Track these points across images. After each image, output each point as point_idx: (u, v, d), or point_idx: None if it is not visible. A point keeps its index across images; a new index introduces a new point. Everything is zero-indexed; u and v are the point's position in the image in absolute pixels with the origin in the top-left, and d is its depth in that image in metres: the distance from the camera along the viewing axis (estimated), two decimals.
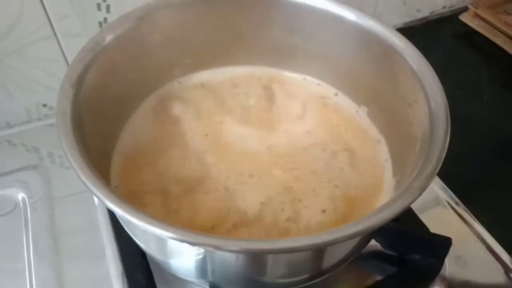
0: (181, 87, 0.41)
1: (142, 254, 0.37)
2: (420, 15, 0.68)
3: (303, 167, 0.36)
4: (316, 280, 0.32)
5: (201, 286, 0.33)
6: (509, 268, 0.40)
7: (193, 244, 0.24)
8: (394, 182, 0.35)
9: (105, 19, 0.47)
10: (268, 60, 0.42)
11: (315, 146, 0.38)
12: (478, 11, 0.66)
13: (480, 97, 0.57)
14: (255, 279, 0.30)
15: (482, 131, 0.53)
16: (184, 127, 0.38)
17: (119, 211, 0.24)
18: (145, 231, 0.24)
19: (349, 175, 0.36)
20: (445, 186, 0.46)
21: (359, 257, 0.33)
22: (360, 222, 0.25)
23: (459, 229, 0.43)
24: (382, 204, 0.26)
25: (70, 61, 0.48)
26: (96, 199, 0.44)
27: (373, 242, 0.34)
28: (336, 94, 0.41)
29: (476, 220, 0.43)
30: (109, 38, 0.34)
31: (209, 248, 0.25)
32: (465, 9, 0.68)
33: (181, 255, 0.30)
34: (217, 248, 0.24)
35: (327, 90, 0.42)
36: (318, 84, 0.42)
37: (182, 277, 0.33)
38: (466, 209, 0.44)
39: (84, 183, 0.25)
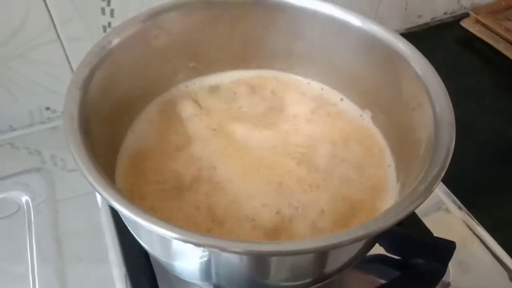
0: (187, 90, 0.42)
1: (145, 256, 0.37)
2: (421, 21, 0.69)
3: (306, 169, 0.36)
4: (320, 284, 0.32)
5: None
6: None
7: (197, 245, 0.24)
8: (398, 186, 0.35)
9: (109, 23, 0.47)
10: (273, 64, 0.43)
11: (319, 150, 0.38)
12: (479, 17, 0.67)
13: (481, 102, 0.58)
14: (259, 282, 0.30)
15: (484, 135, 0.54)
16: (189, 131, 0.38)
17: (126, 212, 0.24)
18: (151, 232, 0.24)
19: (352, 178, 0.36)
20: (448, 191, 0.46)
21: (362, 261, 0.33)
22: (366, 225, 0.25)
23: (462, 233, 0.43)
24: (387, 208, 0.27)
25: (73, 65, 0.49)
26: (99, 202, 0.44)
27: (376, 246, 0.34)
28: (341, 99, 0.42)
29: (479, 224, 0.43)
30: (115, 42, 0.34)
31: (213, 249, 0.25)
32: (466, 15, 0.69)
33: (186, 257, 0.30)
34: (222, 249, 0.24)
35: (331, 94, 0.42)
36: (322, 89, 0.42)
37: (186, 279, 0.33)
38: (469, 213, 0.44)
39: (92, 184, 0.26)
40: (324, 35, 0.39)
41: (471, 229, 0.43)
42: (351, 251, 0.31)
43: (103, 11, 0.46)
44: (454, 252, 0.37)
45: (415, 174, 0.29)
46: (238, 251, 0.24)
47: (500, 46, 0.64)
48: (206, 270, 0.30)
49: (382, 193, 0.35)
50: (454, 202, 0.45)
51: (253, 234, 0.32)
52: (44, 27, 0.45)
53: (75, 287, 0.39)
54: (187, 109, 0.40)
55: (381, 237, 0.37)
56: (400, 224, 0.26)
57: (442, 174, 0.27)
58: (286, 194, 0.34)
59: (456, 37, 0.68)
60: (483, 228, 0.43)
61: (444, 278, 0.38)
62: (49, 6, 0.44)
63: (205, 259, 0.28)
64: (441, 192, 0.46)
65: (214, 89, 0.42)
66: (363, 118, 0.40)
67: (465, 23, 0.68)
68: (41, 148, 0.49)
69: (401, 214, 0.25)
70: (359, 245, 0.30)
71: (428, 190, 0.26)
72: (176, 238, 0.24)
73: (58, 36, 0.46)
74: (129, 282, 0.37)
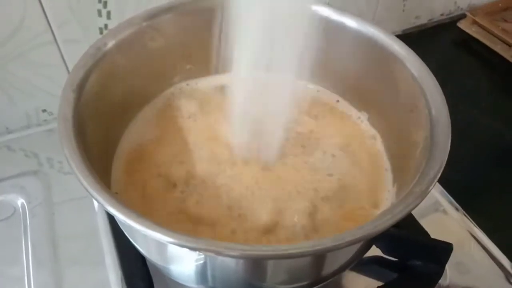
0: (182, 92, 0.42)
1: (142, 260, 0.37)
2: (418, 22, 0.69)
3: (301, 170, 0.36)
4: (317, 287, 0.32)
5: None
6: (510, 273, 0.40)
7: (193, 249, 0.24)
8: (395, 188, 0.35)
9: (106, 25, 0.47)
10: None
11: (315, 151, 0.38)
12: (476, 18, 0.67)
13: (478, 104, 0.58)
14: (256, 285, 0.30)
15: (481, 137, 0.54)
16: (185, 132, 0.38)
17: (121, 217, 0.24)
18: (146, 236, 0.24)
19: (348, 180, 0.36)
20: (445, 192, 0.46)
21: (359, 263, 0.33)
22: (362, 227, 0.25)
23: (459, 234, 0.43)
24: (383, 210, 0.26)
25: (70, 67, 0.49)
26: (96, 205, 0.44)
27: (373, 248, 0.34)
28: (337, 101, 0.41)
29: (476, 225, 0.43)
30: (110, 43, 0.34)
31: (209, 253, 0.25)
32: (463, 16, 0.69)
33: (182, 261, 0.30)
34: (218, 253, 0.24)
35: (327, 96, 0.42)
36: (318, 91, 0.42)
37: (183, 283, 0.33)
38: (466, 214, 0.44)
39: (86, 188, 0.25)
40: (320, 37, 0.39)
41: (468, 231, 0.43)
42: (348, 254, 0.31)
43: (99, 13, 0.46)
44: (451, 254, 0.37)
45: (412, 176, 0.29)
46: (234, 255, 0.24)
47: (497, 47, 0.64)
48: (203, 274, 0.30)
49: (379, 195, 0.35)
50: (451, 203, 0.45)
51: (249, 235, 0.32)
52: (41, 30, 0.45)
53: None
54: (183, 111, 0.40)
55: (378, 239, 0.37)
56: (397, 225, 0.26)
57: (438, 176, 0.27)
58: (279, 196, 0.34)
59: (453, 38, 0.68)
60: (480, 229, 0.43)
61: (442, 280, 0.38)
62: (46, 9, 0.44)
63: (201, 262, 0.28)
64: (438, 193, 0.46)
65: (209, 91, 0.42)
66: (361, 120, 0.40)
67: (462, 24, 0.68)
68: (37, 150, 0.49)
69: (398, 216, 0.25)
70: (356, 247, 0.30)
71: (424, 192, 0.26)
72: (171, 243, 0.24)
73: (55, 38, 0.46)
74: (125, 286, 0.37)
